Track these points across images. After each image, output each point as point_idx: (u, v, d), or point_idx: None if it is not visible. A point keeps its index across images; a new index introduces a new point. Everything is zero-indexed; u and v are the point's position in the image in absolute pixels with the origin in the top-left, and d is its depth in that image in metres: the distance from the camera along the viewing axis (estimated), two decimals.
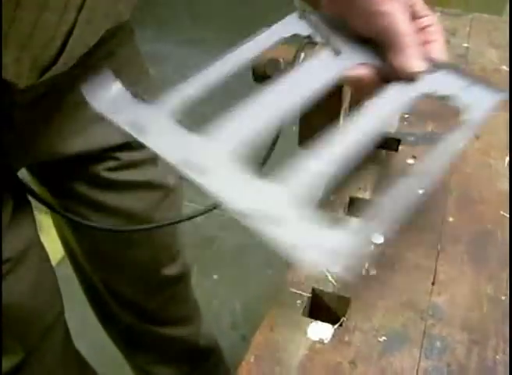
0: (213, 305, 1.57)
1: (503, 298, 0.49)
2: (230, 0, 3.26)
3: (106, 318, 1.05)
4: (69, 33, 0.53)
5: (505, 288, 0.50)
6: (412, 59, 0.48)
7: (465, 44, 0.90)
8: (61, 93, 0.64)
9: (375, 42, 0.51)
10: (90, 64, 0.60)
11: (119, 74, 0.59)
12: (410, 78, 0.49)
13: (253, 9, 2.85)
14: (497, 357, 0.44)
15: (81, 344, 1.12)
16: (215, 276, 1.69)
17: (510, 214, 0.54)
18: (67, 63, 0.57)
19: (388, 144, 0.66)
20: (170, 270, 0.91)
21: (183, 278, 0.96)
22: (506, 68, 0.84)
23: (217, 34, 2.62)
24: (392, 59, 0.48)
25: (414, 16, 0.51)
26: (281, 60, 0.90)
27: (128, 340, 1.08)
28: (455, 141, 0.47)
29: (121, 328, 1.04)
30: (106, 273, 0.92)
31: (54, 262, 0.94)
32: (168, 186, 0.82)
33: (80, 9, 0.51)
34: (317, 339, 0.45)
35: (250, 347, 0.44)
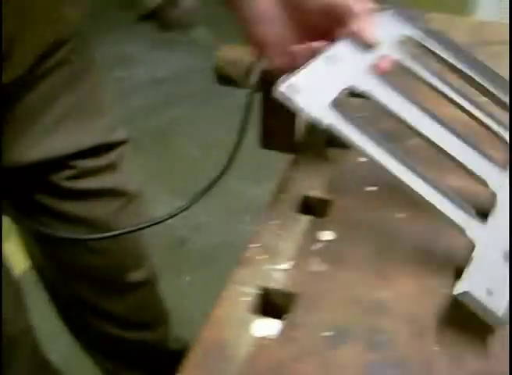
0: (185, 306, 1.57)
1: (445, 291, 0.50)
2: (204, 1, 3.26)
3: (73, 324, 1.04)
4: (11, 40, 0.52)
5: (448, 282, 0.50)
6: (369, 26, 0.53)
7: None
8: (12, 102, 0.64)
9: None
10: (40, 73, 0.60)
11: (74, 82, 0.60)
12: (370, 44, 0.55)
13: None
14: (438, 349, 0.45)
15: (53, 349, 1.12)
16: (188, 278, 1.69)
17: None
18: (13, 73, 0.57)
19: (339, 141, 0.67)
20: (135, 276, 0.91)
21: (149, 283, 0.97)
22: None
23: (189, 36, 2.62)
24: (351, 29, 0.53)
25: None
26: (243, 61, 0.91)
27: (96, 345, 1.08)
28: None
29: (88, 334, 1.04)
30: (70, 280, 0.92)
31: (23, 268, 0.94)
32: (128, 193, 0.83)
33: (18, 15, 0.51)
34: (262, 335, 0.45)
35: (196, 344, 0.45)
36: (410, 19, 0.65)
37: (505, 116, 0.60)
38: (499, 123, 0.60)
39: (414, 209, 0.57)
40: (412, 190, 0.50)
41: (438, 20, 0.98)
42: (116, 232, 0.80)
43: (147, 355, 1.08)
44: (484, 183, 0.53)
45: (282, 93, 0.50)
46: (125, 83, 2.31)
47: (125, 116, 2.14)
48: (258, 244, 0.53)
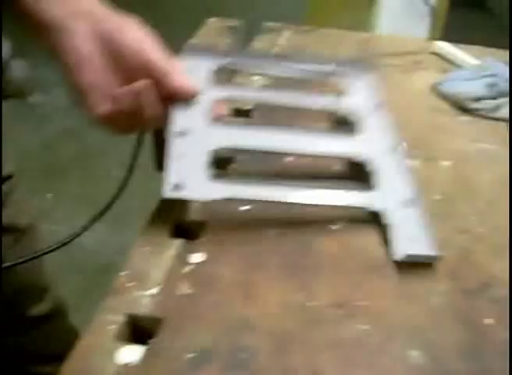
0: None
1: (310, 304, 0.51)
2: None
3: None
4: None
5: (313, 295, 0.52)
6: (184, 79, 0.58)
7: None
8: None
9: None
10: None
11: None
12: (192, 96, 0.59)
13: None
14: (298, 362, 0.47)
15: None
16: None
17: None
18: None
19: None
20: (38, 309, 0.90)
21: (55, 314, 0.95)
22: None
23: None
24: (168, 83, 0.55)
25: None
26: None
27: None
28: None
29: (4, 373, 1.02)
30: None
31: None
32: (19, 227, 0.82)
33: None
34: (124, 362, 0.46)
35: None
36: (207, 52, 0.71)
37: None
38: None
39: (286, 225, 0.59)
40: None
41: (331, 36, 1.02)
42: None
43: None
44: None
45: (171, 195, 0.55)
46: (42, 107, 2.27)
47: (45, 142, 2.12)
48: (128, 272, 0.54)
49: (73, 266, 1.21)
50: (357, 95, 0.72)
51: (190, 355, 0.46)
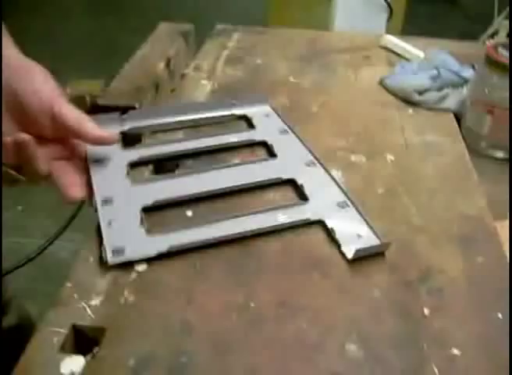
0: None
1: (252, 304, 0.53)
2: (91, 32, 3.25)
3: None
4: None
5: (254, 296, 0.53)
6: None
7: (258, 61, 0.95)
8: None
9: None
10: None
11: None
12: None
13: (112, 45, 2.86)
14: (239, 362, 0.48)
15: None
16: None
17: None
18: None
19: (167, 167, 0.70)
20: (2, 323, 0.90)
21: (19, 329, 0.95)
22: (292, 79, 0.90)
23: (78, 66, 2.61)
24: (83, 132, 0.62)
25: None
26: (87, 97, 0.93)
27: None
28: None
29: None
30: None
31: None
32: None
33: None
34: (68, 373, 0.47)
35: None
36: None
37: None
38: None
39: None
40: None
41: (281, 35, 1.03)
42: None
43: None
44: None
45: (113, 261, 0.56)
46: None
47: None
48: (73, 283, 0.55)
49: (48, 277, 1.21)
50: (262, 125, 0.77)
51: (131, 362, 0.47)
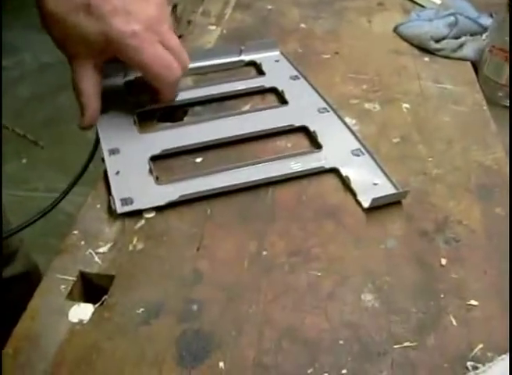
0: None
1: (264, 253, 0.51)
2: None
3: None
4: None
5: (267, 244, 0.52)
6: None
7: (269, 6, 0.92)
8: None
9: None
10: None
11: None
12: None
13: None
14: (250, 310, 0.46)
15: None
16: None
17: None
18: None
19: (174, 115, 0.68)
20: (6, 272, 0.90)
21: (26, 276, 0.95)
22: (304, 26, 0.87)
23: None
24: None
25: None
26: None
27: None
28: None
29: None
30: None
31: None
32: None
33: None
34: (77, 320, 0.46)
35: (9, 339, 0.45)
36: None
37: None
38: None
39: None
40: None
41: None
42: None
43: None
44: None
45: (123, 210, 0.54)
46: (10, 72, 2.23)
47: (13, 108, 2.08)
48: (79, 230, 0.53)
49: (54, 231, 1.20)
50: (272, 71, 0.74)
51: (140, 310, 0.46)
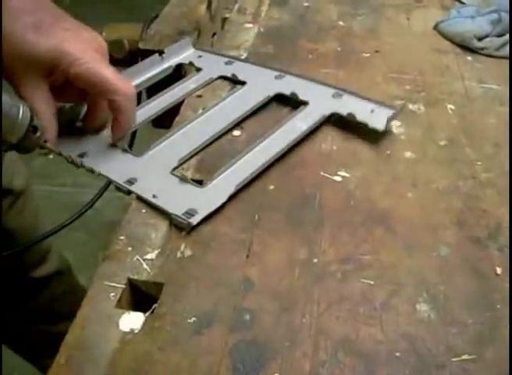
0: None
1: (315, 260, 0.50)
2: None
3: None
4: None
5: (317, 250, 0.51)
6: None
7: (305, 4, 0.90)
8: None
9: None
10: None
11: None
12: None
13: None
14: (304, 320, 0.45)
15: None
16: None
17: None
18: None
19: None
20: (40, 272, 0.90)
21: (58, 276, 0.95)
22: (342, 23, 0.85)
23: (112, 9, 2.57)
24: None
25: None
26: (125, 41, 0.89)
27: (24, 344, 1.06)
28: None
29: (13, 334, 1.02)
30: None
31: None
32: (14, 190, 0.80)
33: None
34: (128, 330, 0.45)
35: (60, 348, 0.44)
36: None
37: None
38: None
39: (284, 180, 0.58)
40: None
41: None
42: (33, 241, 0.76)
43: None
44: None
45: (197, 221, 0.53)
46: None
47: None
48: (126, 235, 0.52)
49: (78, 224, 1.19)
50: (206, 65, 0.75)
51: (192, 320, 0.45)
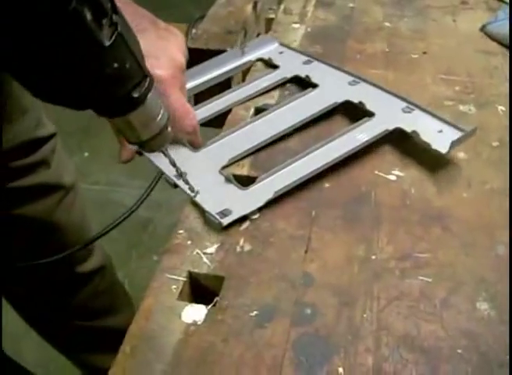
0: None
1: (373, 257, 0.50)
2: None
3: (32, 321, 1.04)
4: None
5: (375, 247, 0.51)
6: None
7: (351, 5, 0.91)
8: None
9: None
10: None
11: None
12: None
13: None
14: (364, 315, 0.46)
15: (23, 350, 1.11)
16: (155, 258, 1.69)
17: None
18: None
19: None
20: (85, 267, 0.91)
21: (101, 271, 0.96)
22: (388, 24, 0.85)
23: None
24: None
25: None
26: None
27: (61, 338, 1.08)
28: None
29: (50, 328, 1.04)
30: (21, 281, 0.91)
31: None
32: (64, 185, 0.82)
33: None
34: (191, 321, 0.46)
35: (125, 338, 0.45)
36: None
37: None
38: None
39: (339, 178, 0.58)
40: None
41: None
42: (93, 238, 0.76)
43: (112, 338, 1.08)
44: None
45: (227, 222, 0.53)
46: None
47: None
48: (184, 230, 0.53)
49: (110, 221, 1.21)
50: (283, 63, 0.75)
51: (254, 313, 0.46)
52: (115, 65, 0.38)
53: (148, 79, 0.42)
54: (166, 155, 0.51)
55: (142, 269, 1.66)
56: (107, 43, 0.36)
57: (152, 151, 0.49)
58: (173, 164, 0.53)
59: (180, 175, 0.54)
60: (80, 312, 1.00)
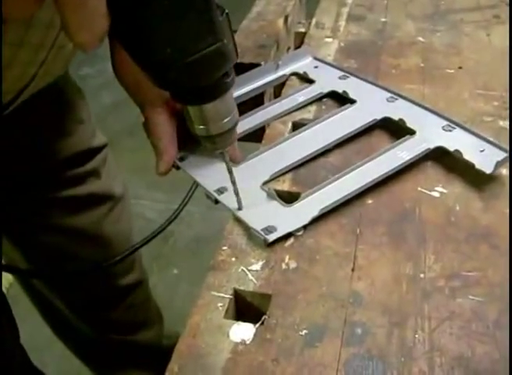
0: (175, 300, 1.57)
1: (422, 275, 0.50)
2: None
3: (64, 333, 1.04)
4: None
5: (423, 265, 0.50)
6: None
7: (383, 19, 0.90)
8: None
9: None
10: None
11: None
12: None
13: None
14: (416, 336, 0.45)
15: (48, 361, 1.10)
16: (175, 271, 1.69)
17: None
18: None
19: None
20: (126, 280, 0.91)
21: (140, 285, 0.96)
22: (422, 39, 0.85)
23: None
24: None
25: None
26: None
27: (90, 352, 1.07)
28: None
29: (82, 341, 1.03)
30: (63, 292, 0.91)
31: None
32: (114, 196, 0.82)
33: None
34: (239, 340, 0.45)
35: (173, 356, 0.44)
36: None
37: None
38: None
39: (381, 194, 0.57)
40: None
41: None
42: (125, 253, 0.76)
43: (142, 354, 1.07)
44: None
45: (272, 238, 0.52)
46: (94, 80, 2.28)
47: (96, 115, 2.12)
48: (228, 246, 0.53)
49: (135, 236, 1.21)
50: (318, 77, 0.74)
51: (303, 332, 0.45)
52: (225, 41, 0.40)
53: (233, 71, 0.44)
54: (225, 157, 0.51)
55: (162, 282, 1.65)
56: (220, 18, 0.40)
57: (215, 149, 0.50)
58: (230, 171, 0.53)
59: (233, 183, 0.54)
60: (115, 326, 1.00)
